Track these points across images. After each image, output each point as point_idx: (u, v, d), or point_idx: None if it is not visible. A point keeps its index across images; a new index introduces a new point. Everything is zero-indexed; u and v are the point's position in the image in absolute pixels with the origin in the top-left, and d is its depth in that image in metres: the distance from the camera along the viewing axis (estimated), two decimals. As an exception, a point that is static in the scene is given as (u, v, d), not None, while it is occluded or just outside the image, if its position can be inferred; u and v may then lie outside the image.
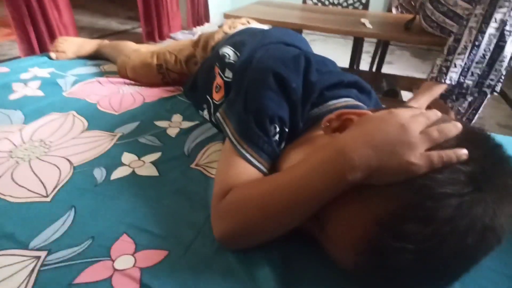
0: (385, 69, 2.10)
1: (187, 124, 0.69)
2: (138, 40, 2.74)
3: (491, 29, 1.00)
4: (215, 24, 3.12)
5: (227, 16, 1.49)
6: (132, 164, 0.57)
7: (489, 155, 0.30)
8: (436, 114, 0.33)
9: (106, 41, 1.04)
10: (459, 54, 1.06)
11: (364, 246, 0.30)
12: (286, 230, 0.37)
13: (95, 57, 1.04)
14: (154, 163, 0.57)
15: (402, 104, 1.53)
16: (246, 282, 0.37)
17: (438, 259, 0.29)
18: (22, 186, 0.51)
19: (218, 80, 0.60)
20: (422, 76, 2.12)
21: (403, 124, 0.31)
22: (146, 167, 0.56)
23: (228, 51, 0.61)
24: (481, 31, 1.01)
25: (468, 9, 1.08)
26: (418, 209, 0.28)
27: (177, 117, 0.71)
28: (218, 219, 0.39)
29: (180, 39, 2.81)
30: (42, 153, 0.58)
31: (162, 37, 2.71)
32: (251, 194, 0.37)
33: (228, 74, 0.57)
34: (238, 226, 0.37)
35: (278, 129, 0.42)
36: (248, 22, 0.78)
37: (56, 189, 0.50)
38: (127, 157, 0.58)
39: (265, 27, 0.77)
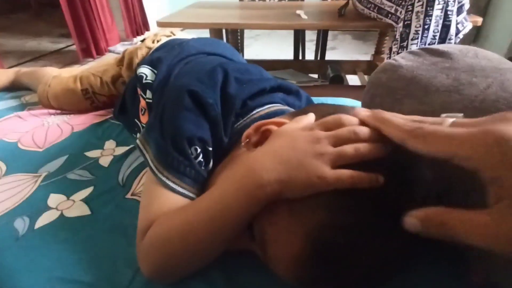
0: (330, 55, 2.16)
1: (121, 150, 0.64)
2: (74, 58, 2.59)
3: (436, 11, 1.06)
4: (155, 30, 3.01)
5: (160, 24, 1.43)
6: (60, 206, 0.51)
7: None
8: (365, 132, 0.30)
9: (23, 69, 0.95)
10: (412, 39, 1.11)
11: (301, 261, 0.29)
12: (216, 255, 0.35)
13: (15, 88, 0.95)
14: (85, 200, 0.52)
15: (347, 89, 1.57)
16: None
17: (372, 256, 0.29)
18: None
19: (142, 102, 0.57)
20: (365, 57, 2.20)
21: (314, 138, 0.30)
22: (76, 206, 0.51)
23: (145, 71, 0.57)
24: (428, 15, 1.06)
25: None
26: (341, 216, 0.28)
27: (110, 144, 0.66)
28: (143, 257, 0.37)
29: (119, 50, 2.68)
30: (-48, 212, 0.51)
31: (100, 52, 2.57)
32: (171, 225, 0.35)
33: (149, 95, 0.53)
34: (164, 262, 0.35)
35: (200, 150, 0.39)
36: (173, 34, 0.75)
37: (-30, 252, 0.44)
38: (54, 199, 0.53)
39: (190, 36, 0.74)
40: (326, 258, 0.28)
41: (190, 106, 0.39)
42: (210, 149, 0.40)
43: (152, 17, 2.97)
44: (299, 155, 0.29)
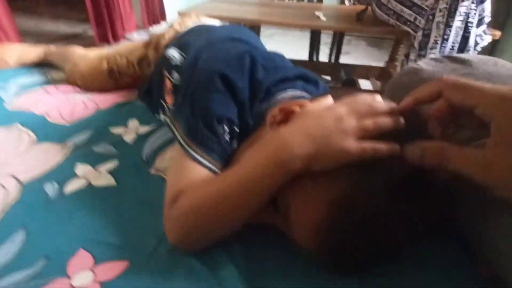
0: (343, 59, 2.17)
1: (144, 129, 0.67)
2: (91, 43, 2.63)
3: (457, 22, 1.07)
4: (172, 20, 3.05)
5: (182, 14, 1.45)
6: (87, 175, 0.54)
7: None
8: (382, 106, 0.34)
9: (52, 47, 0.98)
10: (431, 48, 1.12)
11: (323, 227, 0.32)
12: (242, 223, 0.38)
13: (42, 64, 0.98)
14: (111, 172, 0.55)
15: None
16: (210, 283, 0.37)
17: (390, 223, 0.31)
18: (-36, 211, 0.47)
19: (168, 83, 0.59)
20: (378, 64, 2.21)
21: (337, 116, 0.33)
22: (102, 177, 0.54)
23: (174, 53, 0.60)
24: (448, 25, 1.07)
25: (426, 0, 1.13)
26: (362, 185, 0.31)
27: (133, 123, 0.69)
28: (172, 224, 0.39)
29: (136, 39, 2.71)
30: (-14, 173, 0.54)
31: (116, 39, 2.60)
32: (202, 195, 0.38)
33: (176, 76, 0.56)
34: (193, 229, 0.38)
35: (227, 129, 0.42)
36: (199, 19, 0.77)
37: (4, 212, 0.47)
38: (81, 168, 0.56)
39: (216, 22, 0.76)
40: (347, 223, 0.31)
41: (221, 89, 0.42)
42: (237, 129, 0.43)
43: (169, 8, 3.00)
44: (326, 132, 0.32)
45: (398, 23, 1.28)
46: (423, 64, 0.57)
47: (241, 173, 0.36)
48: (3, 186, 0.51)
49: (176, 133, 0.45)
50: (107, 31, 2.53)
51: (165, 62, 0.63)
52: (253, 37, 0.67)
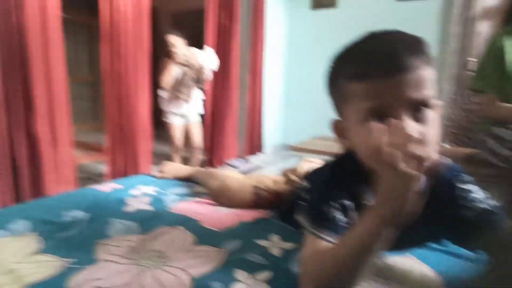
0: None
1: (287, 245, 0.71)
2: (196, 166, 3.06)
3: None
4: (267, 153, 3.44)
5: (293, 148, 1.68)
6: (247, 281, 0.58)
7: None
8: None
9: (201, 169, 1.20)
10: None
11: None
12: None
13: (187, 180, 1.18)
14: (267, 281, 0.58)
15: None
16: None
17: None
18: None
19: None
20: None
21: None
22: (261, 285, 0.57)
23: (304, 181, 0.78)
24: None
25: None
26: None
27: (275, 237, 0.75)
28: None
29: (235, 165, 3.08)
30: (163, 264, 0.62)
31: (219, 164, 3.00)
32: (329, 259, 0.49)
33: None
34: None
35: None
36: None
37: (182, 301, 0.52)
38: (240, 274, 0.60)
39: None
40: None
41: None
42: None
43: (267, 142, 3.44)
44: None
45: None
46: None
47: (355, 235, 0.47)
48: (178, 277, 0.58)
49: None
50: (213, 157, 2.96)
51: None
52: None
